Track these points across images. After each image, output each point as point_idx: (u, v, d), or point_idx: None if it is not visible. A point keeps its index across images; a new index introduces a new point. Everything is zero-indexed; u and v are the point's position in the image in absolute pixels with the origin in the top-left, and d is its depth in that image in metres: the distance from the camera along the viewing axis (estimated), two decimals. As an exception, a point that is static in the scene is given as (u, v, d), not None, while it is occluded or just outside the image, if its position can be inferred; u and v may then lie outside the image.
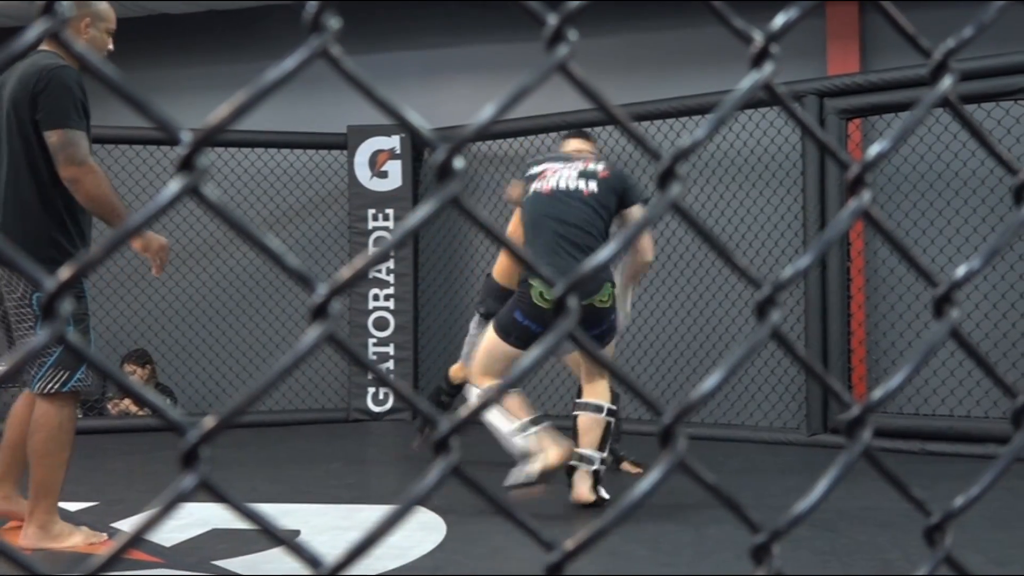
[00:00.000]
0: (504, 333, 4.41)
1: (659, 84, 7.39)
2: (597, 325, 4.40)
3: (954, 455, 5.74)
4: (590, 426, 4.45)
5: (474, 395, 4.49)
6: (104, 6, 3.85)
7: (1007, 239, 0.73)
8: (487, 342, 4.53)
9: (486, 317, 4.97)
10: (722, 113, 0.71)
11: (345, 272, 0.62)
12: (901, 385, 0.71)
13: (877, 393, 0.71)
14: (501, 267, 5.24)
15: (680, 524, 3.97)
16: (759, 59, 0.71)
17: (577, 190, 4.42)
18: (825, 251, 0.66)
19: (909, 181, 6.66)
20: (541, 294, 4.27)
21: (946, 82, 0.74)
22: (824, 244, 0.68)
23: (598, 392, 4.53)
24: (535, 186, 4.52)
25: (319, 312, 0.59)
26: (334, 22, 0.60)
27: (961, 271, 0.71)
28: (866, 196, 0.68)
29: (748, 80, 0.71)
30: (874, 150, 0.70)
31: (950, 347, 6.43)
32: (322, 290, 0.60)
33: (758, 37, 0.72)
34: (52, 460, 3.58)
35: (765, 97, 0.71)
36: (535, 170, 4.59)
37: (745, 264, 0.65)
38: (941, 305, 0.71)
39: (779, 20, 0.73)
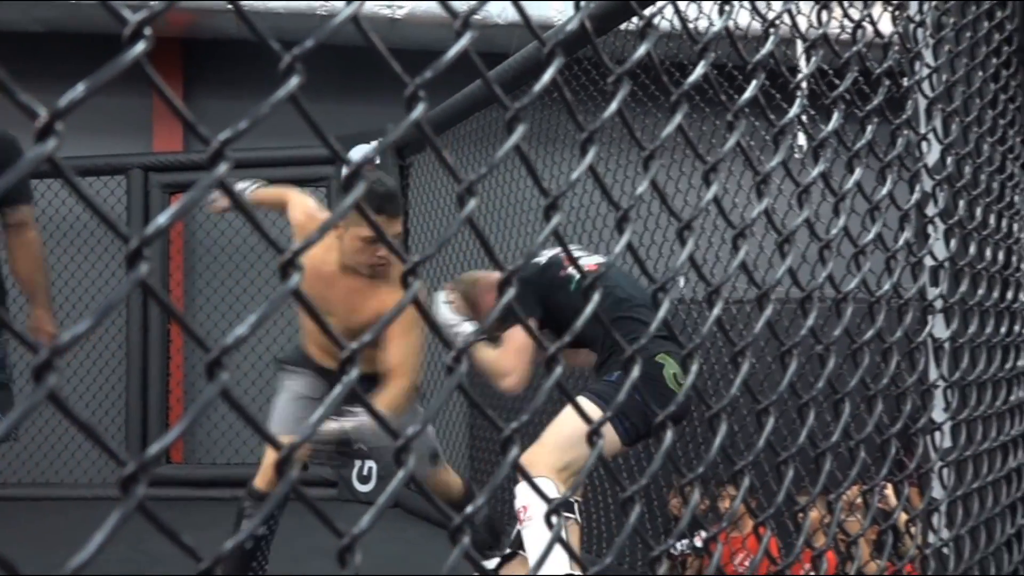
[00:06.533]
0: (632, 433, 3.17)
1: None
2: None
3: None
4: None
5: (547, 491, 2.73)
6: None
7: (272, 309, 0.83)
8: (580, 432, 2.47)
9: None
10: (3, 184, 0.72)
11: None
12: (175, 440, 0.77)
13: (152, 449, 0.76)
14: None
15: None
16: (43, 134, 0.74)
17: None
18: (104, 317, 0.71)
19: (242, 251, 6.93)
20: (675, 375, 3.18)
21: (221, 167, 0.82)
22: (103, 310, 0.72)
23: None
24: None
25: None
26: None
27: (231, 338, 0.79)
28: (143, 268, 0.74)
29: (33, 152, 0.74)
30: (152, 226, 0.76)
31: (260, 400, 6.73)
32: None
33: (43, 113, 0.75)
34: None
35: (49, 170, 0.74)
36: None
37: (21, 330, 0.67)
38: (212, 368, 0.78)
39: (66, 98, 0.77)
